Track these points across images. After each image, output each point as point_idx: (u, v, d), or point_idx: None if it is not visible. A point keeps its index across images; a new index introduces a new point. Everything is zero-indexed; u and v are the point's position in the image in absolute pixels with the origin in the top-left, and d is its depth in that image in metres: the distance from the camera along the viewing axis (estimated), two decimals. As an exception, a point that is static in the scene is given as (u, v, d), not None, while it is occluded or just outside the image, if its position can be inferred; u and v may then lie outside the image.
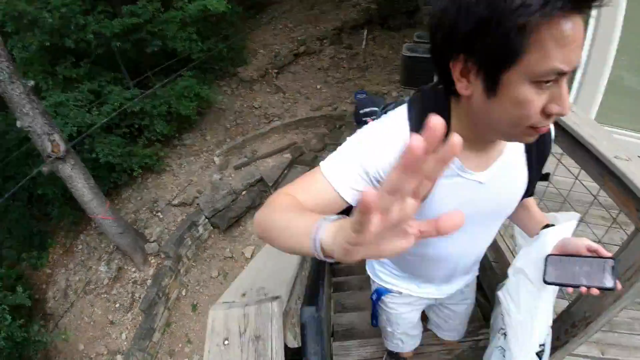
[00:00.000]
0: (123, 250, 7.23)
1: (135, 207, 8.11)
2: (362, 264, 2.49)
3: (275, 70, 10.49)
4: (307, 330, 1.00)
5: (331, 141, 8.53)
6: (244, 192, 7.97)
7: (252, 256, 7.57)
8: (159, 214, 7.97)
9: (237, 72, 10.41)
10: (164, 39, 8.21)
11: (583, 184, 1.59)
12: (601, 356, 2.05)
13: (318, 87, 10.15)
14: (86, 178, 6.11)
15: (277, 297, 0.92)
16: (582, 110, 3.50)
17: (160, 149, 8.54)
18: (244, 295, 0.96)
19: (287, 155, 8.36)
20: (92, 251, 7.71)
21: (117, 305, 7.06)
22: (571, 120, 1.51)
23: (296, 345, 1.08)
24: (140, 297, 6.96)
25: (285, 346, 0.99)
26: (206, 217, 7.71)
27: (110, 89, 7.71)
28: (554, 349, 1.75)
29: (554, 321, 1.65)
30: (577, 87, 3.51)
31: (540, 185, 1.32)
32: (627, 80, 3.49)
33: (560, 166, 1.70)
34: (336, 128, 8.95)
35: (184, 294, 7.26)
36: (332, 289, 3.14)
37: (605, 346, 2.07)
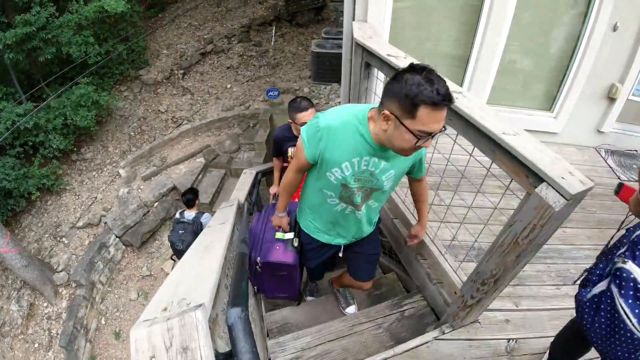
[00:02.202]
0: (31, 285, 6.60)
1: (37, 235, 7.36)
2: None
3: (181, 71, 10.01)
4: (235, 332, 1.01)
5: (246, 141, 8.31)
6: (156, 204, 7.49)
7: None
8: (64, 239, 7.29)
9: (139, 75, 9.80)
10: (58, 46, 7.70)
11: (477, 160, 1.73)
12: (515, 308, 2.29)
13: (228, 86, 9.85)
14: (-16, 208, 5.61)
15: (200, 305, 0.89)
16: (475, 92, 3.73)
17: (58, 167, 7.86)
18: (165, 309, 0.92)
19: (200, 160, 8.00)
20: (-1, 289, 6.86)
21: (36, 345, 6.41)
22: (463, 104, 1.67)
23: (227, 349, 1.10)
24: (58, 333, 6.38)
25: (217, 352, 1.03)
26: (116, 236, 7.13)
27: (2, 106, 7.09)
28: (470, 307, 1.92)
29: (466, 282, 1.90)
30: (471, 71, 3.69)
31: (439, 164, 2.20)
32: (518, 63, 3.76)
33: (456, 145, 1.85)
34: (250, 127, 8.74)
35: (103, 322, 6.74)
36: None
37: (517, 298, 2.35)
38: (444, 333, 2.10)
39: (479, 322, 2.15)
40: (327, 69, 8.66)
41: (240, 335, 0.99)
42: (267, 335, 2.51)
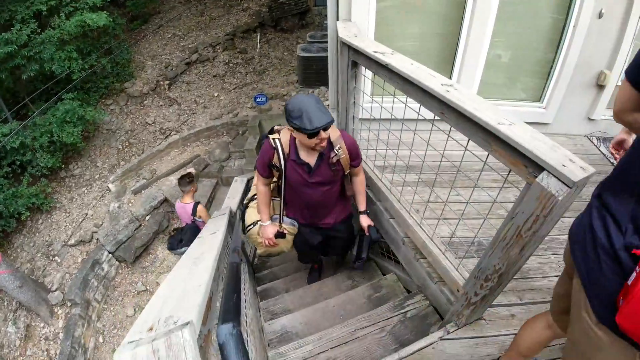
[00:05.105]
0: (26, 306, 6.48)
1: (29, 255, 7.24)
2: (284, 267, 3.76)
3: (167, 82, 9.92)
4: (227, 350, 0.95)
5: (235, 148, 8.23)
6: (147, 217, 7.37)
7: (168, 284, 7.03)
8: (56, 257, 7.17)
9: (125, 88, 9.69)
10: (41, 63, 7.66)
11: (473, 154, 1.65)
12: (519, 301, 2.22)
13: (215, 94, 9.78)
14: (-25, 231, 5.52)
15: (187, 323, 0.83)
16: (464, 87, 3.70)
17: (47, 185, 7.74)
18: (151, 329, 0.86)
19: (191, 170, 7.89)
20: (-4, 312, 6.73)
21: (36, 366, 6.28)
22: (455, 97, 1.60)
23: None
24: (56, 354, 6.26)
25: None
26: (109, 252, 7.00)
27: (-13, 127, 7.02)
28: (474, 304, 1.87)
29: (469, 279, 1.83)
30: (458, 66, 3.67)
31: (435, 160, 2.20)
32: (505, 56, 3.75)
33: (450, 140, 1.78)
34: (239, 134, 8.67)
35: (101, 340, 6.61)
36: (258, 298, 3.12)
37: (521, 292, 2.27)
38: (449, 332, 2.04)
39: (484, 319, 2.09)
40: (313, 73, 8.63)
41: (233, 354, 0.93)
42: (267, 345, 2.43)
